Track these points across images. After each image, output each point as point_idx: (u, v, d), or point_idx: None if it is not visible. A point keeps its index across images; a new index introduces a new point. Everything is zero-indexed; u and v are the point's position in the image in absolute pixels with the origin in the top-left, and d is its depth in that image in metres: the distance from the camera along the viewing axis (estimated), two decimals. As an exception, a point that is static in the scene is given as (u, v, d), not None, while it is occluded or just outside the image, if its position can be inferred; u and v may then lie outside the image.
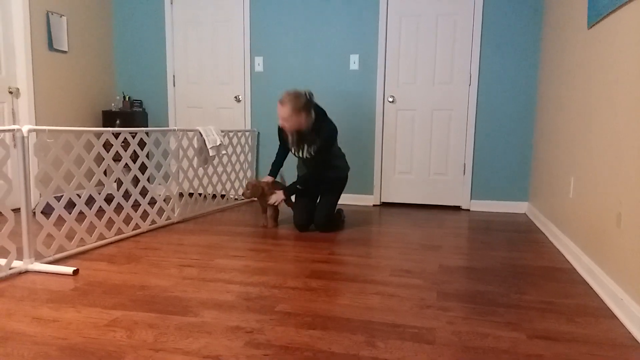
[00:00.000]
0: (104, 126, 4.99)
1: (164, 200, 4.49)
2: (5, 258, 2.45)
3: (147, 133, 3.38)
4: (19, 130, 2.44)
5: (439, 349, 1.69)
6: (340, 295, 2.19)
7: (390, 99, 4.66)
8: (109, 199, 4.41)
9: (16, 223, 2.95)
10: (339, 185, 3.61)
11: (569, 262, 2.80)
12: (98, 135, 3.69)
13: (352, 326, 1.86)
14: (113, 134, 3.03)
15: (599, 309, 2.09)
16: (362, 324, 1.88)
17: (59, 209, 2.66)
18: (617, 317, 1.99)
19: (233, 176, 4.75)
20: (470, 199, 4.59)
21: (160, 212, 4.03)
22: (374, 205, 4.73)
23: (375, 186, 4.75)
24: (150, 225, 3.47)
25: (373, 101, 4.68)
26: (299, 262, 2.70)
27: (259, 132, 4.97)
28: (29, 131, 2.47)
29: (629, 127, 2.04)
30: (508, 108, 4.41)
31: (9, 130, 2.40)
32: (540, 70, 4.18)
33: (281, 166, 3.71)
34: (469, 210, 4.57)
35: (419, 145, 4.67)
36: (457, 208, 4.64)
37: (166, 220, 3.65)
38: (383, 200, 4.79)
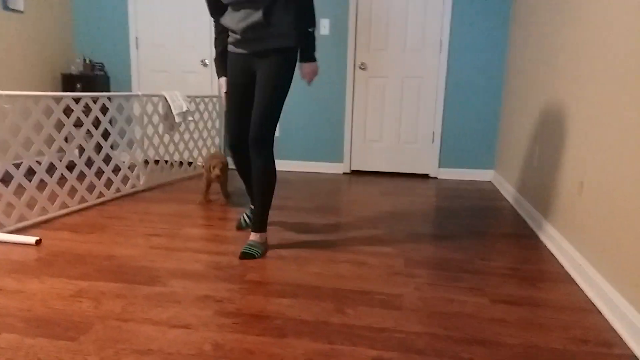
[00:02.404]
0: (63, 90, 4.78)
1: (129, 167, 4.38)
2: (-38, 228, 2.36)
3: (109, 98, 3.26)
4: (-28, 93, 2.31)
5: (406, 314, 1.73)
6: (310, 264, 2.20)
7: (362, 66, 4.61)
8: (70, 166, 4.28)
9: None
10: (284, 67, 2.23)
11: (531, 228, 2.89)
12: (58, 100, 3.54)
13: (321, 294, 1.88)
14: (74, 99, 2.91)
15: (559, 274, 2.18)
16: (332, 292, 1.90)
17: (18, 176, 2.55)
18: (576, 282, 2.08)
19: (201, 143, 4.65)
20: (439, 167, 4.65)
21: (125, 180, 3.94)
22: (343, 173, 4.74)
23: (345, 154, 4.75)
24: (115, 193, 3.39)
25: (344, 68, 4.63)
26: (268, 231, 2.69)
27: (227, 98, 4.86)
28: (-17, 95, 2.34)
29: (593, 96, 2.08)
30: (477, 76, 4.44)
31: (-40, 94, 2.26)
32: (510, 40, 4.20)
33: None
34: (437, 178, 4.63)
35: (389, 113, 4.67)
36: (425, 176, 4.70)
37: (131, 188, 3.57)
38: (353, 168, 4.80)
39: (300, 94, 4.73)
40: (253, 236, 2.36)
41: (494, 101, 4.44)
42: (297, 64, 2.32)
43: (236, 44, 2.30)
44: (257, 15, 2.16)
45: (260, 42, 2.23)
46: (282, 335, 1.55)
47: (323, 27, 4.59)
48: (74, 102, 2.89)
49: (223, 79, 2.47)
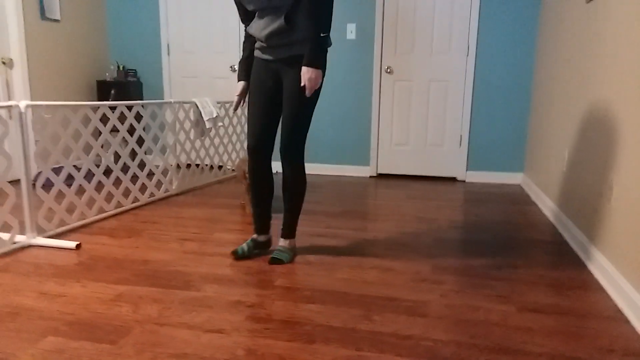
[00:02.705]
0: (98, 96, 4.95)
1: (162, 172, 4.51)
2: (8, 233, 2.49)
3: (143, 106, 3.37)
4: (17, 106, 2.44)
5: (432, 321, 1.76)
6: (337, 270, 2.25)
7: (388, 70, 4.63)
8: (107, 172, 4.44)
9: (17, 198, 2.97)
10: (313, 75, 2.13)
11: (561, 235, 2.87)
12: (95, 109, 3.68)
13: (349, 300, 1.93)
14: (110, 107, 3.02)
15: (588, 281, 2.17)
16: (359, 298, 1.95)
17: (58, 183, 2.68)
18: (604, 290, 2.07)
19: (230, 147, 4.76)
20: (466, 170, 4.63)
21: (159, 184, 4.06)
22: (370, 177, 4.77)
23: (371, 157, 4.78)
24: (149, 198, 3.51)
25: (370, 72, 4.66)
26: (296, 236, 2.75)
27: (255, 103, 4.95)
28: (27, 107, 2.47)
29: (625, 102, 2.06)
30: (505, 79, 4.40)
31: (6, 107, 2.39)
32: (538, 43, 4.16)
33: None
34: (464, 181, 4.62)
35: (416, 116, 4.68)
36: (452, 179, 4.69)
37: (164, 192, 3.69)
38: (379, 171, 4.83)
39: (327, 98, 4.78)
40: (282, 242, 2.41)
41: (523, 103, 4.40)
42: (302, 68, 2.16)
43: (262, 50, 2.28)
44: (279, 22, 2.14)
45: (286, 48, 2.20)
46: (311, 341, 1.61)
47: (350, 31, 4.63)
48: (110, 111, 3.01)
49: (241, 84, 2.40)
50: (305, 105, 2.21)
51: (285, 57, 2.21)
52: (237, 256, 2.39)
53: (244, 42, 2.41)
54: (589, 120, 2.54)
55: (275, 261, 2.32)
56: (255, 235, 2.46)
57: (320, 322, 1.74)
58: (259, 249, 2.47)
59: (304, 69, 2.12)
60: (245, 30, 2.38)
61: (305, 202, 3.62)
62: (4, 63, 4.15)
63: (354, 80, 4.70)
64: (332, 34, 4.67)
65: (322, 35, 2.12)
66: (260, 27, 2.21)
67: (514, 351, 1.57)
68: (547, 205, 3.34)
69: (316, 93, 2.22)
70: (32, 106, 2.51)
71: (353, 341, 1.61)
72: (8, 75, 4.21)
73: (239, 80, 2.41)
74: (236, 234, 2.77)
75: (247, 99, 2.41)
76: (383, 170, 4.82)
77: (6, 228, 2.72)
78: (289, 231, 2.41)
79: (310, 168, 4.91)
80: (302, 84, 2.15)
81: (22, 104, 2.46)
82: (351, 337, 1.64)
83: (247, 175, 3.01)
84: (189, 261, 2.33)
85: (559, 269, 2.32)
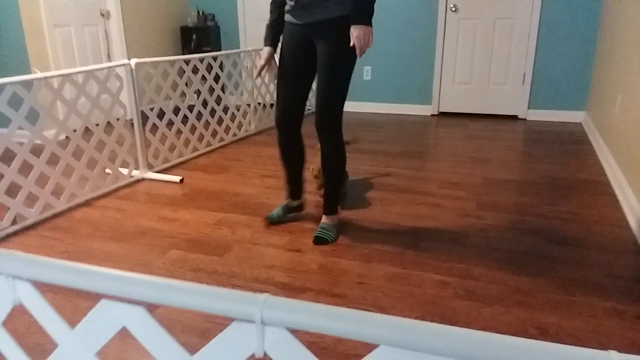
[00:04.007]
0: (182, 42, 5.44)
1: (242, 115, 5.02)
2: (126, 168, 3.09)
3: (226, 56, 3.81)
4: (129, 64, 2.95)
5: (468, 250, 2.15)
6: (393, 205, 2.66)
7: (453, 8, 4.72)
8: (198, 116, 5.00)
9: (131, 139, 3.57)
10: (346, 40, 1.99)
11: (606, 175, 3.08)
12: (187, 62, 4.17)
13: (401, 230, 2.35)
14: (199, 59, 3.48)
15: (618, 219, 2.44)
16: (409, 229, 2.36)
17: (162, 126, 3.23)
18: (630, 228, 2.34)
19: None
20: (528, 109, 4.75)
21: (240, 125, 4.58)
22: (431, 115, 5.02)
23: (433, 96, 5.00)
24: (232, 137, 4.03)
25: (435, 10, 4.77)
26: (359, 174, 3.16)
27: (323, 45, 5.23)
28: (136, 64, 2.97)
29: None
30: (572, 17, 4.38)
31: (122, 65, 2.91)
32: (610, -23, 4.08)
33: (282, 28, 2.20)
34: (525, 119, 4.76)
35: (480, 55, 4.79)
36: (514, 117, 4.84)
37: (245, 132, 4.19)
38: (441, 110, 5.05)
39: (390, 36, 4.97)
40: (325, 219, 2.29)
41: (589, 42, 4.39)
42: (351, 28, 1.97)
43: (292, 12, 2.07)
44: None
45: (317, 8, 1.97)
46: (368, 260, 2.06)
47: (415, -29, 4.72)
48: (199, 62, 3.47)
49: (266, 50, 2.18)
50: (342, 72, 2.02)
51: (319, 21, 1.99)
52: (271, 221, 2.39)
53: (271, 3, 2.17)
54: None
55: (320, 240, 2.20)
56: (288, 200, 2.44)
57: (376, 246, 2.18)
58: (293, 212, 2.46)
59: (353, 27, 1.95)
60: None
61: (367, 141, 4.00)
62: (102, 15, 4.69)
63: (418, 18, 4.84)
64: (398, -25, 4.78)
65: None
66: None
67: (533, 274, 1.94)
68: (600, 146, 3.50)
69: (352, 58, 2.03)
70: (140, 63, 3.01)
71: (401, 262, 2.04)
72: (106, 25, 4.76)
73: (265, 45, 2.19)
74: (308, 172, 3.22)
75: (274, 65, 2.24)
76: (445, 108, 5.04)
77: (124, 164, 3.34)
78: (331, 207, 2.29)
79: (373, 107, 5.21)
80: (351, 44, 1.97)
81: (133, 61, 2.96)
82: (400, 258, 2.07)
83: (318, 176, 2.69)
84: (270, 194, 2.82)
85: (595, 207, 2.59)
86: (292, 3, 2.03)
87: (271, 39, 2.18)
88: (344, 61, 2.01)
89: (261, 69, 2.22)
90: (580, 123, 4.56)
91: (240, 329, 0.57)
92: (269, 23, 2.18)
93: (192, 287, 0.58)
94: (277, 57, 2.22)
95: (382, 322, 0.52)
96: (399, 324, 0.52)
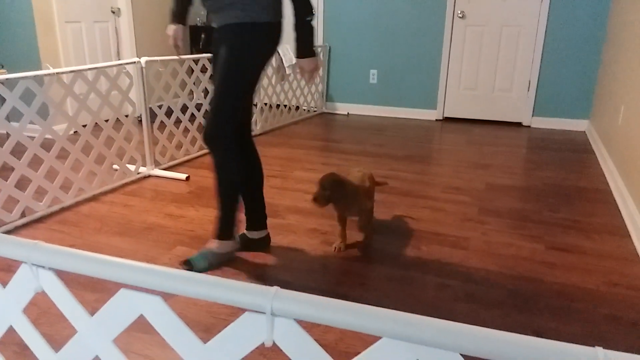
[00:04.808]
0: (191, 40, 5.49)
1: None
2: (134, 165, 3.13)
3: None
4: (139, 62, 2.99)
5: (469, 254, 2.18)
6: (396, 208, 2.69)
7: (460, 14, 4.76)
8: (205, 115, 5.04)
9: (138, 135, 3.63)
10: (234, 51, 1.85)
11: (608, 184, 3.11)
12: (196, 61, 4.20)
13: (402, 233, 2.38)
14: (208, 59, 3.53)
15: (618, 228, 2.47)
16: (411, 232, 2.39)
17: (170, 125, 3.27)
18: (630, 236, 2.37)
19: (306, 90, 5.19)
20: (532, 116, 4.78)
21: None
22: (436, 120, 5.05)
23: (438, 101, 5.03)
24: (238, 137, 4.06)
25: (442, 16, 4.80)
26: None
27: (330, 47, 5.27)
28: (146, 62, 3.01)
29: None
30: (579, 26, 4.41)
31: (132, 62, 2.95)
32: (617, -12, 4.11)
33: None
34: (529, 127, 4.78)
35: (486, 61, 4.82)
36: (518, 124, 4.86)
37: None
38: (446, 115, 5.08)
39: (397, 41, 5.01)
40: (209, 243, 2.04)
41: (594, 52, 4.41)
42: (295, 60, 1.98)
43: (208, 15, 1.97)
44: None
45: (218, 13, 1.87)
46: (369, 261, 2.09)
47: (424, -23, 4.76)
48: (208, 62, 3.51)
49: (171, 27, 2.07)
50: (225, 85, 1.86)
51: (221, 26, 1.89)
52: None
53: None
54: (643, 80, 2.70)
55: (185, 264, 1.97)
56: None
57: (378, 248, 2.21)
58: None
59: (300, 60, 1.93)
60: None
61: (372, 145, 4.03)
62: (113, 12, 4.74)
63: (425, 23, 4.87)
64: (407, -20, 4.82)
65: (307, 19, 1.89)
66: None
67: (533, 280, 1.97)
68: (602, 155, 3.53)
69: (240, 72, 1.86)
70: (150, 61, 3.05)
71: (402, 264, 2.08)
72: (117, 23, 4.81)
73: (173, 21, 2.08)
74: (312, 173, 3.26)
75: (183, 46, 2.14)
76: (449, 114, 5.07)
77: (132, 161, 3.38)
78: (219, 230, 2.03)
79: (378, 110, 5.25)
80: (305, 78, 1.97)
81: (143, 59, 3.00)
82: (401, 260, 2.10)
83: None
84: (274, 194, 2.86)
85: (595, 215, 2.62)
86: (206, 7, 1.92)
87: (177, 16, 2.07)
88: (233, 69, 1.84)
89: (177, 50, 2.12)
90: (584, 132, 4.59)
91: (251, 319, 0.61)
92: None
93: (207, 279, 0.62)
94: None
95: (384, 316, 0.55)
96: (400, 317, 0.55)
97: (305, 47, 1.91)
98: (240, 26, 1.83)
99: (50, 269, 0.69)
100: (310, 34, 1.91)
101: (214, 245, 2.02)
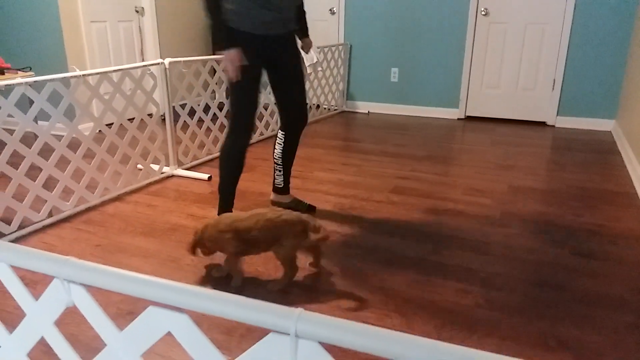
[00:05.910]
0: (212, 40, 5.54)
1: (269, 114, 5.08)
2: (157, 165, 3.18)
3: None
4: (163, 63, 3.03)
5: (491, 258, 2.16)
6: (416, 210, 2.68)
7: (484, 12, 4.69)
8: (227, 115, 5.09)
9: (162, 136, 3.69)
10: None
11: (634, 187, 3.04)
12: (219, 62, 4.24)
13: (423, 236, 2.37)
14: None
15: (644, 234, 2.42)
16: (432, 235, 2.38)
17: (192, 125, 3.31)
18: (657, 243, 2.32)
19: (327, 89, 5.19)
20: (557, 115, 4.70)
21: (267, 125, 4.64)
22: (458, 119, 5.00)
23: (461, 100, 4.98)
24: (259, 136, 4.09)
25: (466, 13, 4.74)
26: (383, 178, 3.19)
27: (351, 45, 5.26)
28: (170, 63, 3.05)
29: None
30: (604, 24, 4.31)
31: (156, 64, 2.99)
32: (647, -16, 4.00)
33: None
34: (554, 126, 4.70)
35: (509, 59, 4.75)
36: (542, 124, 4.79)
37: (272, 131, 4.25)
38: (468, 114, 5.03)
39: (419, 38, 4.96)
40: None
41: (621, 50, 4.31)
42: (313, 51, 2.70)
43: (271, 23, 2.34)
44: None
45: (287, 22, 2.38)
46: (390, 265, 2.09)
47: (446, -26, 4.70)
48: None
49: (233, 52, 2.16)
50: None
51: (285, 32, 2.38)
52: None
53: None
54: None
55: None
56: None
57: (398, 252, 2.21)
58: None
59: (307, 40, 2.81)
60: None
61: (392, 144, 4.01)
62: (137, 11, 4.80)
63: (448, 21, 4.82)
64: (429, -23, 4.77)
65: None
66: None
67: (556, 285, 1.95)
68: (628, 156, 3.45)
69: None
70: (174, 62, 3.09)
71: (423, 268, 2.07)
72: (140, 22, 4.88)
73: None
74: (332, 174, 3.27)
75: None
76: (472, 113, 5.02)
77: (155, 161, 3.43)
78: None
79: (400, 109, 5.22)
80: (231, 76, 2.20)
81: (167, 60, 3.04)
82: (422, 265, 2.10)
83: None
84: (297, 195, 2.87)
85: (620, 219, 2.57)
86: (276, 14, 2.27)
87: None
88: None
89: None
90: (610, 132, 4.50)
91: (275, 340, 0.62)
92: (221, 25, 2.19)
93: (234, 299, 0.63)
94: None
95: (408, 342, 0.56)
96: (425, 344, 0.56)
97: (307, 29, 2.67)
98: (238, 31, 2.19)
99: (81, 284, 0.72)
100: (211, 28, 2.23)
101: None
